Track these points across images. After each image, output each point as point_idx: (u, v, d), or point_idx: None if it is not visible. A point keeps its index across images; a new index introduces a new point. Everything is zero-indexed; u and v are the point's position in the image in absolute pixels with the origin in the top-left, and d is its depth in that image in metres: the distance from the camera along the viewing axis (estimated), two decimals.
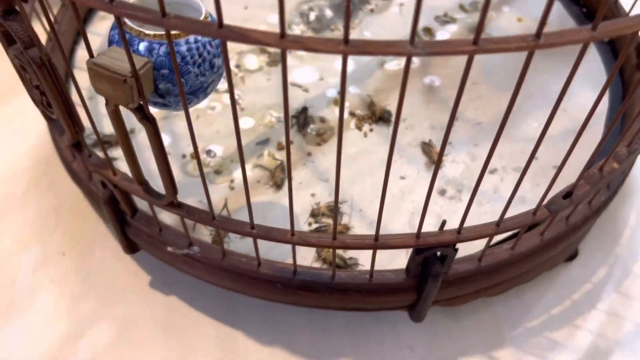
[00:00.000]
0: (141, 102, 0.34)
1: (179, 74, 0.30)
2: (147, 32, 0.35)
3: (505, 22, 0.73)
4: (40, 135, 0.70)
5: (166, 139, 0.59)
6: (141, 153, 0.58)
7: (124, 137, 0.39)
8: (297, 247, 0.52)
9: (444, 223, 0.42)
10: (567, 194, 0.44)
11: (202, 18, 0.36)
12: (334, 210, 0.39)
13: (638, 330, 0.56)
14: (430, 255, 0.44)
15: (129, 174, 0.43)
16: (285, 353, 0.54)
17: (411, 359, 0.54)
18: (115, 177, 0.44)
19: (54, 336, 0.55)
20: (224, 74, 0.37)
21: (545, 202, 0.43)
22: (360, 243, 0.42)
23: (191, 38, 0.35)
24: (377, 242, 0.41)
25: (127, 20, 0.36)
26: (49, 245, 0.61)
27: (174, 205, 0.43)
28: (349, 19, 0.25)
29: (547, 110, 0.64)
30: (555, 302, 0.58)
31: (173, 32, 0.35)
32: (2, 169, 0.67)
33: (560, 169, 0.40)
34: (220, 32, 0.27)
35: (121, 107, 0.36)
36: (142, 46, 0.35)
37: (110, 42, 0.37)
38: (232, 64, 0.66)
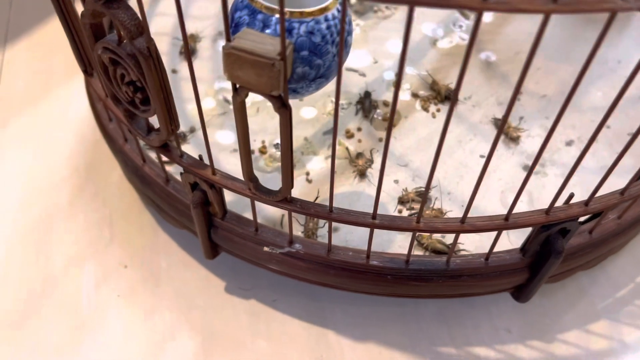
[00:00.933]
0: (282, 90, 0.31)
1: (342, 52, 0.27)
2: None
3: None
4: (73, 145, 0.66)
5: (230, 136, 0.56)
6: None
7: (245, 131, 0.35)
8: (395, 236, 0.50)
9: (571, 196, 0.41)
10: None
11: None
12: (473, 194, 0.37)
13: None
14: (555, 233, 0.42)
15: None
16: (381, 347, 0.52)
17: (510, 340, 0.53)
18: (215, 177, 0.41)
19: (134, 354, 0.51)
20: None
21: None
22: (490, 224, 0.40)
23: (329, 14, 0.32)
24: (507, 222, 0.40)
25: None
26: (108, 258, 0.57)
27: (287, 201, 0.40)
28: None
29: (607, 79, 0.64)
30: (638, 270, 0.58)
31: (309, 9, 0.32)
32: (38, 181, 0.63)
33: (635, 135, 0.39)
34: None
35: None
36: (279, 25, 0.32)
37: (237, 25, 0.33)
38: None
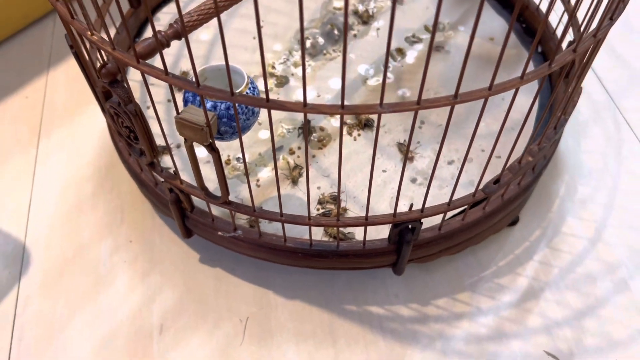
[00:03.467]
0: (211, 140, 0.53)
1: (239, 125, 0.49)
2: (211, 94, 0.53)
3: (461, 40, 0.92)
4: (96, 151, 0.89)
5: (204, 151, 0.78)
6: (186, 162, 0.77)
7: (195, 161, 0.58)
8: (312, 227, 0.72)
9: (411, 206, 0.62)
10: (496, 181, 0.63)
11: (245, 82, 0.55)
12: (338, 200, 0.58)
13: (562, 274, 0.77)
14: (404, 228, 0.63)
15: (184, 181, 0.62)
16: (304, 304, 0.74)
17: (397, 303, 0.74)
18: (182, 185, 0.63)
19: (133, 302, 0.74)
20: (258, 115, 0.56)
21: (481, 186, 0.63)
22: (356, 222, 0.61)
23: None
24: (367, 221, 0.61)
25: None
26: (119, 235, 0.80)
27: (227, 203, 0.62)
28: (344, 93, 0.44)
29: (491, 113, 0.84)
30: (502, 257, 0.78)
31: None
32: (71, 177, 0.86)
33: (488, 162, 0.59)
34: (268, 104, 0.46)
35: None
36: (209, 104, 0.54)
37: (185, 101, 0.55)
38: None
